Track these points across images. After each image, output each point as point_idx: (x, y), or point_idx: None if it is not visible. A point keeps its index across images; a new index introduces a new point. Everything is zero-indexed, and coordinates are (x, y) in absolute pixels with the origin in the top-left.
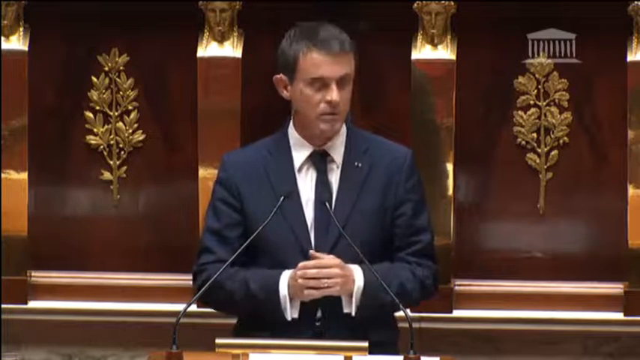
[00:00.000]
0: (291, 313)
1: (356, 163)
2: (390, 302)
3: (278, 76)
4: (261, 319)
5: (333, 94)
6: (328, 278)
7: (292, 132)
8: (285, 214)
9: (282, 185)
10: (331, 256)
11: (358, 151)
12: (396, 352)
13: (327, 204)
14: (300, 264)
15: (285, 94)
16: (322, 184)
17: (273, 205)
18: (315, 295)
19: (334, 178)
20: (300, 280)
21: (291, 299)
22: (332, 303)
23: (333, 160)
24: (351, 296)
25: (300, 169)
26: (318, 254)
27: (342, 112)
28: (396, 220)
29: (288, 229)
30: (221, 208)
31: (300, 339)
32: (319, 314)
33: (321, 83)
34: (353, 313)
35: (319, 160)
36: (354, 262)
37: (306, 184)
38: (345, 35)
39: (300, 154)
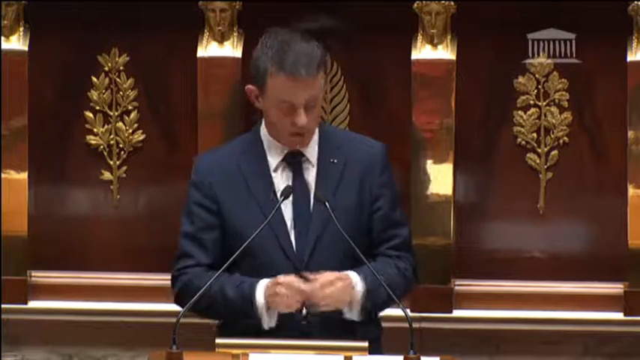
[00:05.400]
0: (269, 322)
1: (331, 160)
2: (382, 302)
3: (250, 86)
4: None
5: (300, 118)
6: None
7: (265, 134)
8: (264, 215)
9: (259, 186)
10: (325, 273)
11: (332, 147)
12: (380, 349)
13: (327, 202)
14: (298, 284)
15: (257, 104)
16: (300, 184)
17: (250, 207)
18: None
19: (310, 176)
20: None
21: (268, 308)
22: None
23: (307, 160)
24: (351, 304)
25: (275, 170)
26: (310, 276)
27: (310, 129)
28: (374, 215)
29: (268, 230)
30: (196, 211)
31: (287, 339)
32: (304, 312)
33: (288, 105)
34: (356, 319)
35: (294, 160)
36: (335, 260)
37: (283, 184)
38: (315, 52)
39: (274, 155)
